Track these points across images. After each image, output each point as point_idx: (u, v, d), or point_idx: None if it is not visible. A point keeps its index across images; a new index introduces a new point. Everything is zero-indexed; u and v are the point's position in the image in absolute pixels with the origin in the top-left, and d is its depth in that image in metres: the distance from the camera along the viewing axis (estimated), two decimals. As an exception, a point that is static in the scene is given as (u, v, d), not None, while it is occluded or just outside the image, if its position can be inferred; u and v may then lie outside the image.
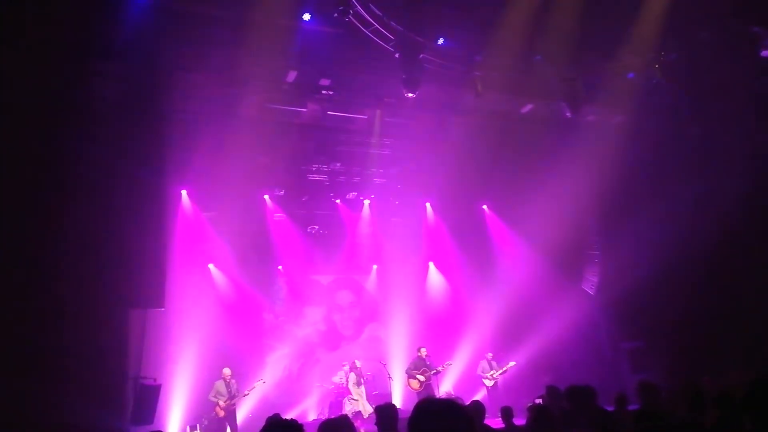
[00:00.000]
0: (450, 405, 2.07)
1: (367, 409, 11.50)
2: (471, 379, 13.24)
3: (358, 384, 12.05)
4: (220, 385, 10.88)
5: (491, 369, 12.72)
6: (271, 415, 6.23)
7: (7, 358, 7.07)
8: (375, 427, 4.36)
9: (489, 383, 12.62)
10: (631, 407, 5.97)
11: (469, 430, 2.05)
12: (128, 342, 8.98)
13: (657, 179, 12.17)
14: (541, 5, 9.43)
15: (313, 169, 12.88)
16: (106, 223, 8.35)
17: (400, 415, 4.31)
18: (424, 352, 12.11)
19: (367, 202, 14.30)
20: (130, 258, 8.64)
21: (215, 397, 10.80)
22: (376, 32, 9.28)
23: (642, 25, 10.03)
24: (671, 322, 11.83)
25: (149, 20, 8.11)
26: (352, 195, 14.01)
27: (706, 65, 10.67)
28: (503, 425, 7.07)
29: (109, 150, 8.40)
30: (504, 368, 12.62)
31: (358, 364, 12.29)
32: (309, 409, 13.21)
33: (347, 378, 12.22)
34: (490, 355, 13.00)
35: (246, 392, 11.23)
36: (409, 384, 12.01)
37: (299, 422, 3.37)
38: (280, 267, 14.27)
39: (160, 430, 6.12)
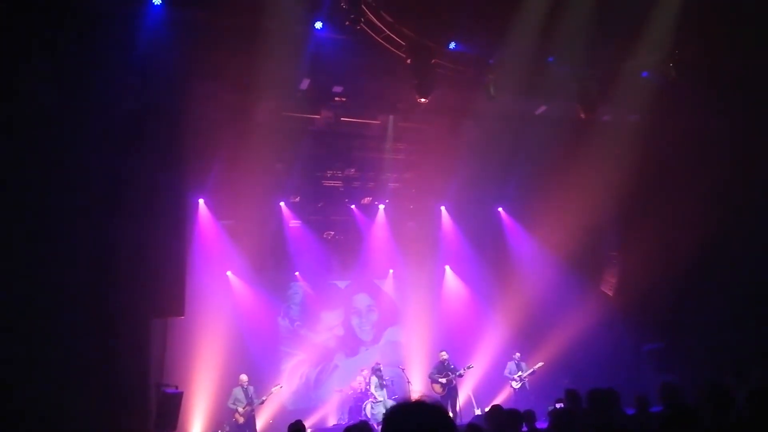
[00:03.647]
0: (420, 407, 1.89)
1: None
2: (492, 381, 13.16)
3: (381, 387, 12.08)
4: (237, 392, 11.00)
5: (519, 370, 12.41)
6: (292, 422, 6.33)
7: (33, 365, 7.20)
8: None
9: (516, 385, 12.31)
10: (653, 409, 5.92)
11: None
12: (150, 350, 9.10)
13: (675, 177, 12.03)
14: (553, 6, 9.39)
15: (328, 175, 12.91)
16: (127, 233, 8.45)
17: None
18: (445, 355, 12.07)
19: (382, 206, 14.29)
20: (151, 267, 8.77)
21: (234, 404, 10.92)
22: (388, 39, 9.30)
23: (655, 22, 9.95)
24: (691, 323, 11.68)
25: (164, 30, 8.22)
26: (367, 200, 14.02)
27: (723, 60, 10.52)
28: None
29: (127, 159, 8.50)
30: (532, 369, 12.30)
31: (381, 367, 12.33)
32: (329, 415, 13.26)
33: (368, 381, 12.25)
34: (517, 355, 12.66)
35: (263, 398, 11.33)
36: (432, 388, 11.97)
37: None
38: (297, 273, 14.35)
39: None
